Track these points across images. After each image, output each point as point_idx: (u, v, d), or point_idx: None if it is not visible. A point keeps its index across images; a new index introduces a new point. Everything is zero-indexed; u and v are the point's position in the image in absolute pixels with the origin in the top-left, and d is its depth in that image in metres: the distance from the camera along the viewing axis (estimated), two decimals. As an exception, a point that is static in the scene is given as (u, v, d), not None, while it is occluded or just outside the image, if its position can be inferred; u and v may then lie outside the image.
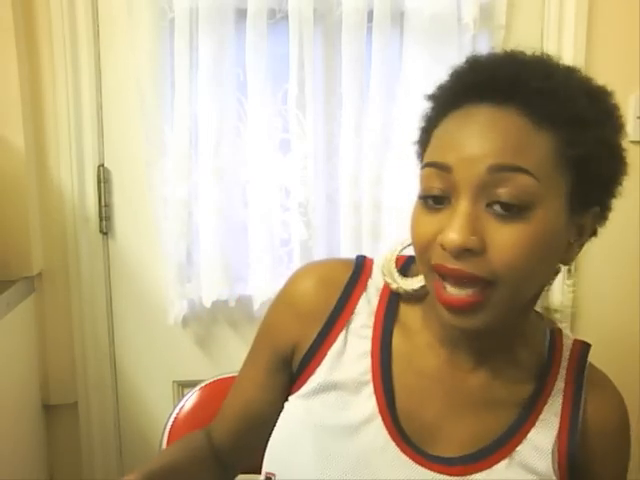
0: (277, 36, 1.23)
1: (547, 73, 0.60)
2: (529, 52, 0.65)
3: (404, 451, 0.65)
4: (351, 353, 0.68)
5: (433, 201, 0.59)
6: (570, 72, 0.64)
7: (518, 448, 0.65)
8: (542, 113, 0.57)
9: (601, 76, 1.39)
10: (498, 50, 0.72)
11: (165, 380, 1.33)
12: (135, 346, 1.35)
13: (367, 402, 0.66)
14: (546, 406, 0.67)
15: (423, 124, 0.66)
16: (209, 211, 1.25)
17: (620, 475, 0.72)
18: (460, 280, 0.57)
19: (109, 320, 1.34)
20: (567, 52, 1.28)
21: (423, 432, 0.66)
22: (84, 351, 1.31)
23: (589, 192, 0.62)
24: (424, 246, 0.60)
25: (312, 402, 0.68)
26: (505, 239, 0.56)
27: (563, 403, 0.68)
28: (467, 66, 0.65)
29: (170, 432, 0.94)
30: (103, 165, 1.29)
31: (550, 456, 0.65)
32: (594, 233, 0.67)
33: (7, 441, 1.11)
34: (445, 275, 0.58)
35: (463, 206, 0.56)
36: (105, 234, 1.31)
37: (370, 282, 0.71)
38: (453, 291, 0.58)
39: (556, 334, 0.72)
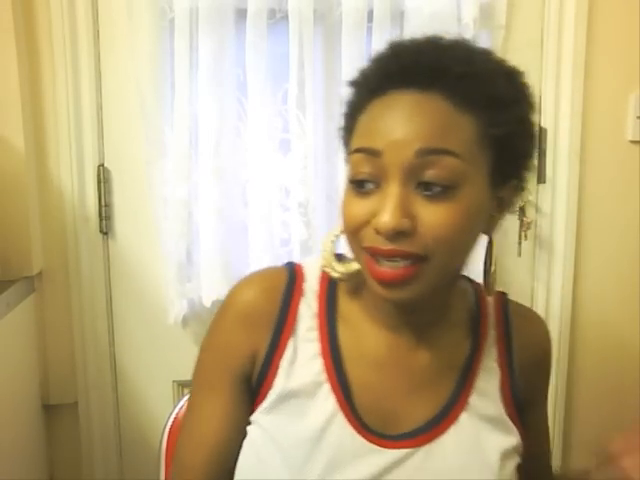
0: (277, 36, 1.23)
1: (467, 57, 0.62)
2: (449, 37, 0.66)
3: (370, 440, 0.67)
4: (302, 358, 0.69)
5: (363, 185, 0.62)
6: (488, 55, 0.66)
7: (469, 400, 0.70)
8: (464, 97, 0.60)
9: (601, 76, 1.40)
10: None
11: (165, 380, 1.33)
12: (135, 346, 1.35)
13: (326, 402, 0.67)
14: (484, 355, 0.72)
15: (347, 110, 0.68)
16: (209, 211, 1.25)
17: (547, 387, 0.82)
18: (394, 257, 0.60)
19: (109, 320, 1.34)
20: (567, 52, 1.28)
21: (384, 417, 0.68)
22: (84, 351, 1.31)
23: (508, 167, 0.65)
24: (356, 229, 0.62)
25: (273, 417, 0.68)
26: (435, 217, 0.59)
27: (498, 348, 0.73)
28: (390, 52, 0.66)
29: (170, 432, 0.95)
30: (103, 165, 1.29)
31: (499, 399, 0.71)
32: (512, 205, 0.71)
33: (7, 441, 1.11)
34: (379, 255, 0.61)
35: (394, 189, 0.59)
36: (105, 234, 1.31)
37: (306, 286, 0.73)
38: (386, 265, 0.61)
39: (479, 291, 0.77)
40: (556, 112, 1.31)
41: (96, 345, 1.32)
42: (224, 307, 0.73)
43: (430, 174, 0.59)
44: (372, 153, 0.61)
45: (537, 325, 0.79)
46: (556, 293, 1.35)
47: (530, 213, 1.33)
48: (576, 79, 1.28)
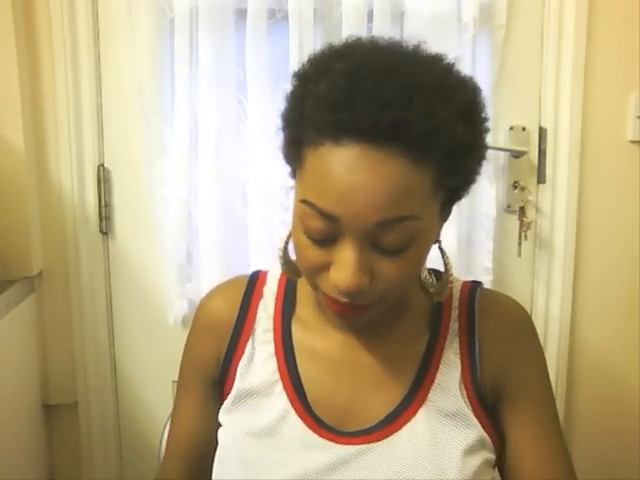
0: (277, 36, 1.23)
1: (430, 109, 0.55)
2: (405, 57, 0.60)
3: (323, 436, 0.68)
4: (259, 359, 0.73)
5: (317, 238, 0.60)
6: (450, 91, 0.59)
7: (429, 395, 0.69)
8: (425, 152, 0.56)
9: (601, 76, 1.40)
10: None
11: (165, 380, 1.33)
12: (135, 346, 1.35)
13: (279, 399, 0.70)
14: (445, 349, 0.71)
15: (291, 132, 0.63)
16: (209, 211, 1.25)
17: (538, 377, 0.73)
18: (347, 309, 0.62)
19: (109, 320, 1.34)
20: (567, 52, 1.28)
21: (338, 415, 0.69)
22: (84, 351, 1.31)
23: (457, 198, 0.65)
24: (313, 272, 0.62)
25: (232, 416, 0.72)
26: (390, 271, 0.59)
27: (460, 340, 0.71)
28: (343, 96, 0.56)
29: (170, 432, 0.94)
30: (103, 165, 1.29)
31: (459, 394, 0.69)
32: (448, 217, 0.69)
33: (7, 441, 1.11)
34: (335, 306, 0.62)
35: (351, 251, 0.58)
36: (105, 234, 1.31)
37: (265, 289, 0.76)
38: (344, 306, 0.62)
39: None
40: (556, 112, 1.30)
41: (96, 345, 1.32)
42: (194, 317, 0.80)
43: (388, 240, 0.58)
44: (328, 217, 0.57)
45: (506, 314, 0.74)
46: (556, 293, 1.35)
47: (530, 213, 1.33)
48: (576, 79, 1.28)
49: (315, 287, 0.64)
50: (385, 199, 0.56)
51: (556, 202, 1.34)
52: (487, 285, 0.79)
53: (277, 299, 0.75)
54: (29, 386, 1.26)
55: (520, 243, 1.33)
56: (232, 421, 0.72)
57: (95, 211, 1.29)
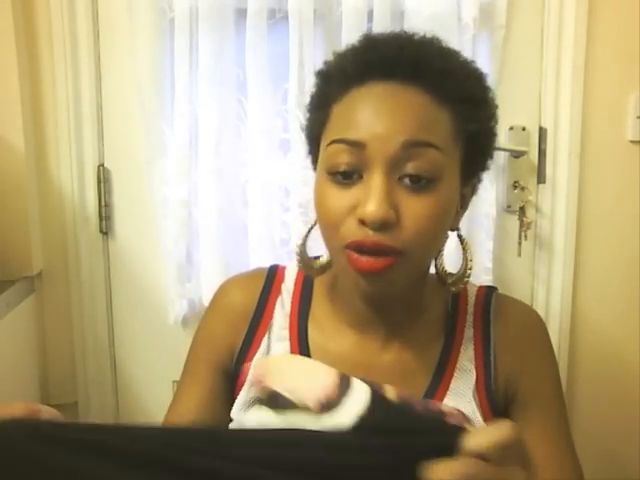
0: (277, 36, 1.23)
1: (444, 54, 0.64)
2: (420, 33, 0.67)
3: None
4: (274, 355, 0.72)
5: (343, 176, 0.61)
6: (459, 54, 0.67)
7: (444, 401, 0.68)
8: (442, 91, 0.61)
9: (601, 76, 1.40)
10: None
11: (165, 380, 1.33)
12: (135, 346, 1.35)
13: None
14: (460, 355, 0.71)
15: (317, 101, 0.68)
16: (209, 211, 1.25)
17: (551, 382, 0.74)
18: (378, 251, 0.60)
19: (109, 320, 1.34)
20: (567, 52, 1.28)
21: None
22: (84, 351, 1.31)
23: (474, 165, 0.67)
24: (336, 222, 0.62)
25: (246, 414, 0.70)
26: (416, 211, 0.60)
27: (475, 347, 0.71)
28: (367, 43, 0.65)
29: (170, 432, 0.94)
30: (103, 165, 1.29)
31: (473, 401, 0.68)
32: (468, 204, 0.72)
33: (7, 441, 1.11)
34: (363, 249, 0.60)
35: (379, 180, 0.59)
36: (105, 234, 1.31)
37: (283, 286, 0.76)
38: (369, 259, 0.60)
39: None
40: (556, 112, 1.30)
41: (96, 345, 1.32)
42: (210, 304, 0.80)
43: (414, 166, 0.59)
44: (354, 145, 0.60)
45: (521, 322, 0.75)
46: (556, 293, 1.35)
47: (530, 213, 1.33)
48: (576, 79, 1.28)
49: (337, 247, 0.63)
50: (410, 121, 0.59)
51: (556, 202, 1.34)
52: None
53: (294, 298, 0.75)
54: (29, 386, 1.26)
55: (520, 243, 1.33)
56: (246, 419, 0.70)
57: (95, 211, 1.29)
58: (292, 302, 0.75)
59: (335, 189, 0.62)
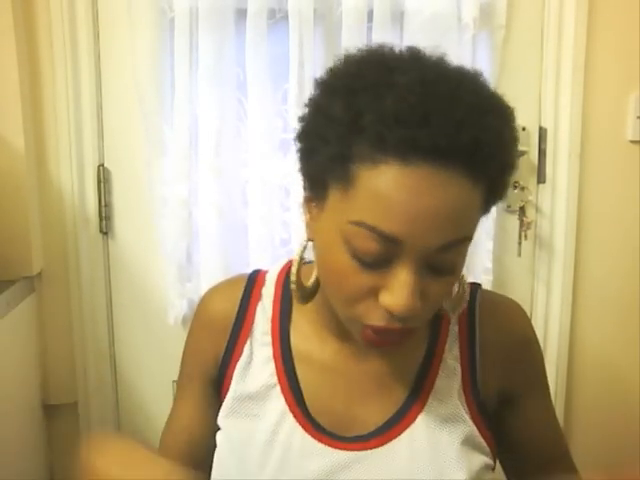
0: (277, 36, 1.23)
1: (499, 129, 0.56)
2: (475, 84, 0.59)
3: (321, 440, 0.68)
4: (257, 362, 0.72)
5: (368, 261, 0.56)
6: (505, 111, 0.59)
7: (429, 400, 0.68)
8: (483, 170, 0.56)
9: (601, 76, 1.40)
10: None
11: (165, 380, 1.33)
12: (135, 346, 1.35)
13: (277, 403, 0.69)
14: (445, 353, 0.70)
15: (334, 147, 0.56)
16: (209, 211, 1.25)
17: (542, 373, 0.77)
18: (400, 334, 0.59)
19: (109, 320, 1.34)
20: (567, 52, 1.28)
21: (336, 420, 0.69)
22: (84, 351, 1.31)
23: (490, 210, 0.65)
24: (354, 298, 0.59)
25: (230, 420, 0.71)
26: (439, 291, 0.59)
27: (460, 345, 0.71)
28: (418, 113, 0.53)
29: (170, 432, 0.94)
30: (103, 165, 1.29)
31: (458, 399, 0.69)
32: None
33: (7, 441, 1.11)
34: (384, 333, 0.59)
35: (409, 274, 0.55)
36: (105, 234, 1.31)
37: (264, 291, 0.75)
38: (387, 338, 0.60)
39: None
40: (556, 112, 1.31)
41: (96, 345, 1.32)
42: (194, 316, 0.79)
43: (445, 261, 0.57)
44: (388, 239, 0.54)
45: (506, 315, 0.74)
46: (556, 293, 1.35)
47: (530, 213, 1.33)
48: (576, 79, 1.28)
49: (350, 317, 0.60)
50: (450, 223, 0.55)
51: (556, 202, 1.34)
52: (487, 285, 0.79)
53: (275, 302, 0.74)
54: (29, 386, 1.26)
55: (520, 243, 1.33)
56: (230, 425, 0.71)
57: (95, 211, 1.29)
58: (273, 307, 0.74)
59: (356, 268, 0.57)
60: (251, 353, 0.73)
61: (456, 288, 0.68)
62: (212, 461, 0.72)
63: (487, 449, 0.70)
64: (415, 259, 0.55)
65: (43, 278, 1.28)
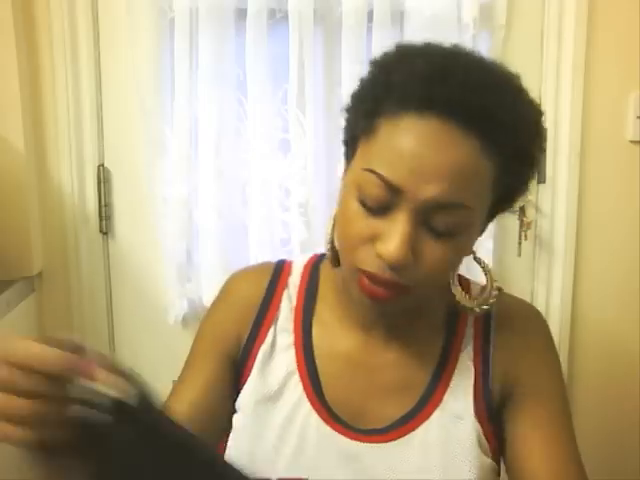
0: (277, 36, 1.23)
1: (513, 104, 0.60)
2: (496, 69, 0.64)
3: (336, 429, 0.69)
4: (279, 348, 0.74)
5: (372, 206, 0.60)
6: (527, 97, 0.63)
7: (444, 397, 0.69)
8: (496, 143, 0.58)
9: (601, 76, 1.40)
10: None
11: (165, 380, 1.32)
12: (135, 346, 1.35)
13: (295, 390, 0.71)
14: (461, 353, 0.71)
15: (369, 98, 0.63)
16: (209, 211, 1.25)
17: (548, 377, 0.72)
18: (389, 285, 0.61)
19: (109, 320, 1.34)
20: (567, 52, 1.28)
21: (353, 411, 0.70)
22: (84, 351, 1.31)
23: (506, 205, 0.66)
24: (355, 245, 0.62)
25: (250, 404, 0.72)
26: (434, 255, 0.60)
27: (475, 346, 0.72)
28: (438, 71, 0.59)
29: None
30: (103, 165, 1.29)
31: (470, 400, 0.69)
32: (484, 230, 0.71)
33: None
34: (375, 280, 0.61)
35: (405, 223, 0.59)
36: (105, 234, 1.31)
37: (290, 280, 0.77)
38: (378, 289, 0.61)
39: (463, 284, 0.75)
40: (556, 112, 1.31)
41: (96, 345, 1.32)
42: (218, 295, 0.81)
43: (441, 220, 0.59)
44: (390, 185, 0.58)
45: (522, 320, 0.75)
46: (556, 293, 1.35)
47: (530, 213, 1.33)
48: (576, 79, 1.28)
49: (350, 267, 0.63)
50: (449, 181, 0.57)
51: (556, 202, 1.34)
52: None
53: (299, 291, 0.76)
54: (29, 386, 1.26)
55: (520, 243, 1.33)
56: (249, 408, 0.72)
57: (95, 211, 1.29)
58: (298, 296, 0.76)
59: (360, 213, 0.61)
60: (274, 338, 0.74)
61: (487, 288, 0.71)
62: (215, 440, 0.73)
63: (489, 450, 0.70)
64: (412, 211, 0.58)
65: (43, 278, 1.28)
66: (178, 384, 0.78)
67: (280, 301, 0.76)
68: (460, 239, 0.61)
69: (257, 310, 0.75)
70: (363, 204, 0.61)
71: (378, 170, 0.59)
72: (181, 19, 1.20)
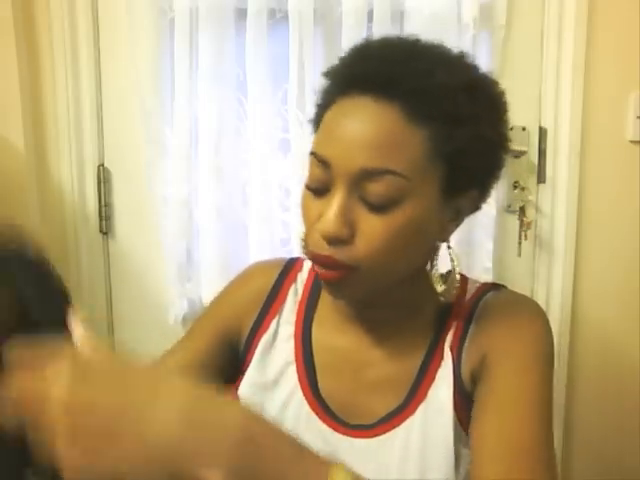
0: (277, 36, 1.23)
1: (428, 70, 0.61)
2: (422, 42, 0.66)
3: (324, 421, 0.71)
4: (280, 338, 0.76)
5: (316, 189, 0.64)
6: (453, 66, 0.65)
7: (429, 393, 0.69)
8: (419, 110, 0.60)
9: (601, 76, 1.40)
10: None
11: (165, 380, 1.33)
12: (135, 346, 1.34)
13: (291, 379, 0.73)
14: (445, 347, 0.71)
15: (318, 102, 0.69)
16: (209, 211, 1.25)
17: (517, 355, 0.66)
18: (328, 265, 0.63)
19: (109, 320, 1.34)
20: (567, 52, 1.28)
21: (345, 406, 0.71)
22: (84, 351, 1.31)
23: (464, 179, 0.65)
24: (308, 231, 0.65)
25: (248, 392, 0.74)
26: (372, 230, 0.61)
27: (454, 334, 0.71)
28: (358, 53, 0.66)
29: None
30: (103, 165, 1.29)
31: (451, 392, 0.69)
32: (476, 209, 0.71)
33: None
34: (316, 260, 0.64)
35: (338, 198, 0.61)
36: (105, 234, 1.31)
37: (299, 275, 0.80)
38: (322, 270, 0.64)
39: (461, 282, 0.74)
40: (556, 112, 1.30)
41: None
42: (232, 280, 0.84)
43: (372, 190, 0.61)
44: (321, 161, 0.63)
45: (509, 305, 0.72)
46: (556, 293, 1.35)
47: (530, 213, 1.33)
48: (576, 79, 1.28)
49: (307, 251, 0.66)
50: (372, 146, 0.60)
51: (556, 202, 1.34)
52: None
53: (306, 287, 0.79)
54: (29, 386, 1.26)
55: (520, 243, 1.33)
56: (247, 396, 0.74)
57: (95, 211, 1.29)
58: (304, 291, 0.79)
59: (308, 197, 0.66)
60: (277, 329, 0.77)
61: (452, 274, 0.69)
62: None
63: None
64: (344, 184, 0.61)
65: (43, 278, 1.28)
66: (168, 351, 0.80)
67: (287, 294, 0.78)
68: (402, 210, 0.61)
69: (264, 299, 0.78)
70: (309, 188, 0.65)
71: (313, 149, 0.64)
72: (181, 19, 1.20)
